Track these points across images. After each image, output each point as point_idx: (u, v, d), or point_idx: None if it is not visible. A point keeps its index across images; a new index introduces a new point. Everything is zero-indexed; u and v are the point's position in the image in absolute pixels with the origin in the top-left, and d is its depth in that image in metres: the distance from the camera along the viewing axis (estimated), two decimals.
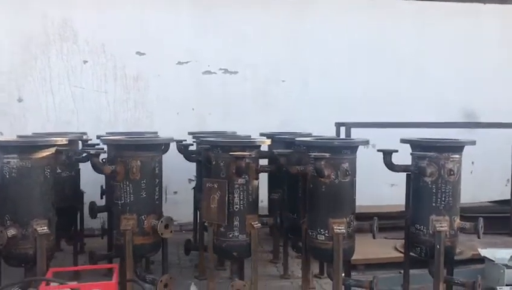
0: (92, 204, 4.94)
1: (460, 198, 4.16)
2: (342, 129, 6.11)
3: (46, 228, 3.84)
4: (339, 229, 3.89)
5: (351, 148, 3.98)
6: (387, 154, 4.15)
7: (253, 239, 4.06)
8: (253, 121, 6.93)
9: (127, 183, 4.02)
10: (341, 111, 7.00)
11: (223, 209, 3.98)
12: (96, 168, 3.95)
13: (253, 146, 4.10)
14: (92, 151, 3.93)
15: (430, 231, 4.05)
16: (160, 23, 6.93)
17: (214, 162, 4.15)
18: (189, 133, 5.72)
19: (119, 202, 4.07)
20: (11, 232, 3.75)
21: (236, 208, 4.05)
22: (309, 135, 5.30)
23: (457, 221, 4.11)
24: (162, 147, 4.27)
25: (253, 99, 7.21)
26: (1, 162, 3.81)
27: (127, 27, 6.82)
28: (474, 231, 4.06)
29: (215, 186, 4.01)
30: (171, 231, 4.08)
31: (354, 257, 5.26)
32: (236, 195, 4.04)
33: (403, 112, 7.08)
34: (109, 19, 6.77)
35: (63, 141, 3.98)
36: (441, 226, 4.00)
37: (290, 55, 7.30)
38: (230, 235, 4.07)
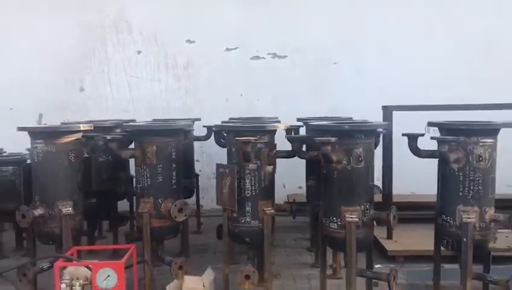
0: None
1: (494, 187, 3.73)
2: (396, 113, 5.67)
3: (70, 208, 4.11)
4: (351, 217, 3.68)
5: (365, 132, 3.73)
6: (412, 139, 3.84)
7: (266, 225, 3.99)
8: (303, 106, 6.79)
9: (144, 167, 4.16)
10: (399, 95, 6.58)
11: (233, 195, 3.95)
12: (114, 153, 4.13)
13: (264, 131, 4.00)
14: (108, 137, 4.10)
15: (457, 223, 3.68)
16: (209, 10, 7.01)
17: (227, 147, 4.14)
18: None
19: (138, 186, 4.22)
20: (39, 211, 4.07)
21: (248, 193, 4.00)
22: (348, 120, 5.04)
23: (491, 213, 3.69)
24: (179, 132, 4.33)
25: (303, 84, 7.05)
26: (31, 147, 4.13)
27: (177, 16, 7.01)
28: (508, 224, 3.63)
29: (227, 171, 4.00)
30: (186, 215, 4.15)
31: (393, 248, 5.09)
32: (248, 180, 3.99)
33: (467, 93, 6.48)
34: (160, 8, 7.00)
35: (86, 127, 4.20)
36: (468, 217, 3.62)
37: (342, 36, 7.00)
38: (243, 221, 4.05)
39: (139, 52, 7.11)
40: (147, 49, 7.09)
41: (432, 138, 3.72)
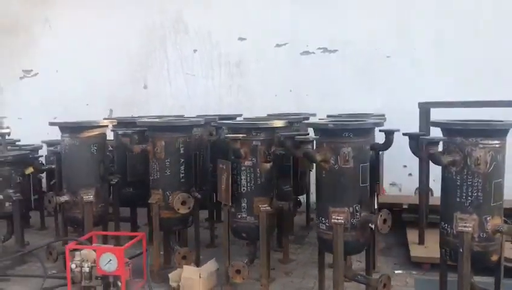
0: None
1: (500, 194, 3.34)
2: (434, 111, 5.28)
3: (91, 196, 4.53)
4: (338, 219, 3.57)
5: (353, 131, 3.57)
6: (413, 139, 3.59)
7: (262, 222, 4.02)
8: (353, 101, 6.61)
9: (155, 161, 4.42)
10: (459, 89, 6.12)
11: (227, 190, 4.05)
12: (126, 148, 4.45)
13: (259, 128, 4.01)
14: (119, 132, 4.43)
15: (454, 231, 3.38)
16: (259, 7, 7.09)
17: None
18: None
19: (151, 178, 4.50)
20: (64, 198, 4.55)
21: (244, 190, 4.06)
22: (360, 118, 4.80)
23: (494, 222, 3.32)
24: (188, 128, 4.51)
25: (353, 79, 6.81)
26: (61, 140, 4.63)
27: (229, 14, 7.21)
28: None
29: (224, 167, 4.09)
30: (189, 208, 4.33)
31: (417, 254, 4.76)
32: (243, 177, 4.05)
33: None
34: (214, 7, 7.25)
35: (105, 122, 4.59)
36: (465, 226, 3.30)
37: (395, 27, 6.63)
38: (239, 217, 4.12)
39: (195, 50, 7.45)
40: (202, 47, 7.40)
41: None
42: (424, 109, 4.89)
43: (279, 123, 4.13)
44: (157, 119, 4.83)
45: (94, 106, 7.75)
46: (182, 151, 4.42)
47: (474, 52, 6.25)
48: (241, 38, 7.23)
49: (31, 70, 8.22)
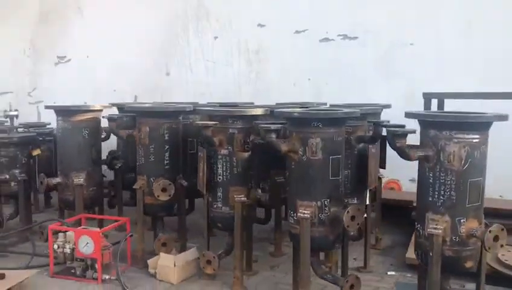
0: None
1: (476, 195, 3.00)
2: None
3: (82, 179, 4.62)
4: (304, 213, 3.38)
5: (324, 120, 3.34)
6: (389, 132, 3.31)
7: (237, 212, 3.90)
8: (374, 91, 6.28)
9: (140, 147, 4.42)
10: (487, 80, 5.62)
11: (202, 178, 3.96)
12: (113, 132, 4.47)
13: (235, 116, 3.87)
14: (107, 116, 4.46)
15: (426, 233, 3.09)
16: None
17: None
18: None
19: (137, 164, 4.51)
20: (57, 180, 4.68)
21: (219, 179, 3.96)
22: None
23: (469, 225, 2.99)
24: (174, 114, 4.44)
25: (374, 67, 6.44)
26: (56, 123, 4.75)
27: (249, 0, 7.06)
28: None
29: (201, 155, 4.00)
30: (169, 195, 4.29)
31: (411, 256, 4.42)
32: (220, 166, 3.94)
33: None
34: None
35: (96, 107, 4.65)
36: (435, 228, 3.00)
37: (419, 13, 6.18)
38: (215, 206, 4.03)
39: (215, 37, 7.38)
40: (222, 34, 7.31)
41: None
42: (428, 99, 4.52)
43: (258, 111, 3.97)
44: (147, 105, 4.81)
45: (122, 92, 7.91)
46: (166, 138, 4.38)
47: (504, 42, 5.70)
48: (260, 25, 7.07)
49: (65, 56, 8.53)
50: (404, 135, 3.03)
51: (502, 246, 2.97)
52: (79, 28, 8.31)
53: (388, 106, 5.08)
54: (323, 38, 6.74)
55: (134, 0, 7.81)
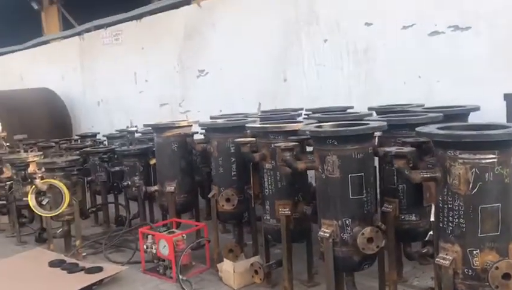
0: None
1: (496, 223, 2.58)
2: None
3: (173, 187, 5.24)
4: (325, 232, 3.36)
5: (338, 138, 3.23)
6: None
7: (282, 225, 4.00)
8: (492, 87, 5.55)
9: (212, 159, 4.83)
10: None
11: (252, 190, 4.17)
12: (192, 146, 4.97)
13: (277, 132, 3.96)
14: (182, 133, 4.97)
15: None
16: None
17: None
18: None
19: (212, 175, 4.92)
20: (154, 188, 5.39)
21: (266, 192, 4.14)
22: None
23: (483, 258, 2.60)
24: (238, 129, 4.69)
25: (492, 60, 5.66)
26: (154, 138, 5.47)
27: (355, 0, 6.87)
28: None
29: (251, 167, 4.20)
30: (233, 205, 4.59)
31: None
32: (266, 180, 4.17)
33: None
34: None
35: (184, 123, 5.21)
36: (444, 258, 2.71)
37: None
38: (265, 218, 4.25)
39: (325, 40, 7.35)
40: (331, 37, 7.24)
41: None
42: (511, 101, 3.88)
43: (297, 126, 3.97)
44: (220, 120, 5.18)
45: (248, 100, 8.48)
46: (232, 151, 4.67)
47: None
48: (367, 24, 6.81)
49: (204, 70, 9.49)
50: (404, 157, 2.77)
51: None
52: (213, 43, 9.15)
53: (476, 109, 4.49)
54: (432, 32, 6.16)
55: (254, 14, 8.27)
